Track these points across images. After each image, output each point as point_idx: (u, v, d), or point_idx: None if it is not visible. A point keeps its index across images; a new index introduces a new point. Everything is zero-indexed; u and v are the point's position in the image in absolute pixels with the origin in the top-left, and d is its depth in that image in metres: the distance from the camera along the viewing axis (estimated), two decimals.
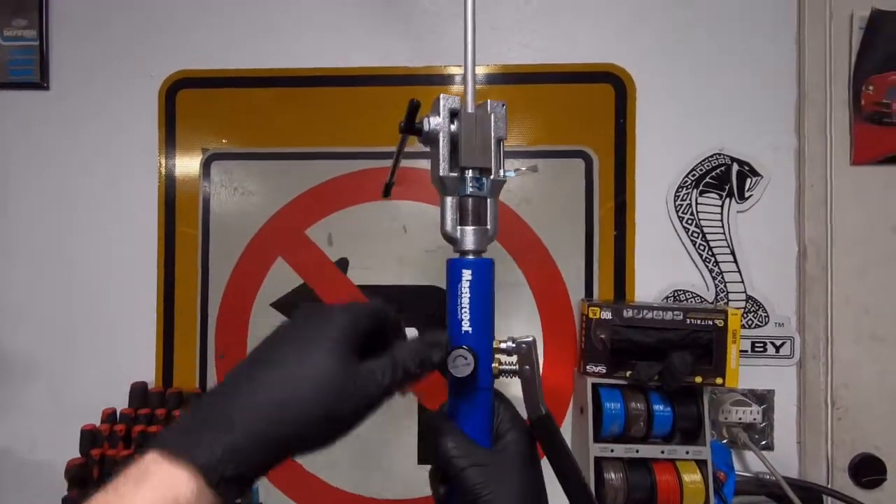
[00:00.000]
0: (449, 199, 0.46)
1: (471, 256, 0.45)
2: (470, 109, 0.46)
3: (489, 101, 0.47)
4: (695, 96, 0.91)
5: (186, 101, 0.95)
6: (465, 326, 0.44)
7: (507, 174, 0.48)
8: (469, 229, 0.45)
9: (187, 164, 0.95)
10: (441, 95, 0.46)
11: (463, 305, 0.44)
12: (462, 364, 0.42)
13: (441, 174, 0.45)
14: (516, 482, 0.41)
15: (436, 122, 0.46)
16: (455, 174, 0.46)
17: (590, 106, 0.91)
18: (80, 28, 0.96)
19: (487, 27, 0.92)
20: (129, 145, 0.95)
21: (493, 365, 0.44)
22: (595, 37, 0.92)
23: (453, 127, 0.46)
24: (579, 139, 0.91)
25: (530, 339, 0.44)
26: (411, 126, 0.46)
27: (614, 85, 0.91)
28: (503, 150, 0.48)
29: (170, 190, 0.95)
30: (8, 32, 0.95)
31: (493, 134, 0.46)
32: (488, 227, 0.46)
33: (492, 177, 0.46)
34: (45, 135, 0.96)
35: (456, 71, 0.92)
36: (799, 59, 0.90)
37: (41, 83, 0.95)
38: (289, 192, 0.93)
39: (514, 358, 0.44)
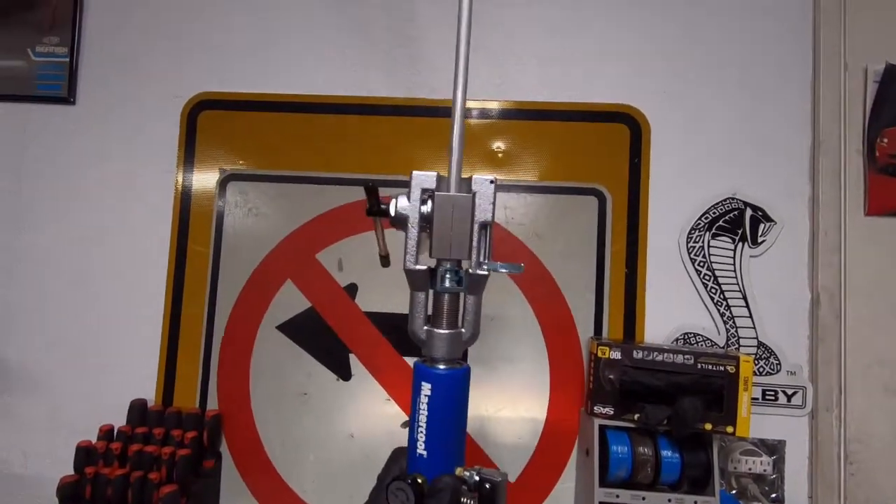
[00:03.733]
0: (419, 295, 0.38)
1: (441, 366, 0.37)
2: (453, 189, 0.37)
3: (475, 176, 0.38)
4: (709, 139, 0.91)
5: (208, 122, 0.96)
6: (420, 449, 0.36)
7: (490, 269, 0.38)
8: (440, 333, 0.37)
9: (204, 183, 0.96)
10: (414, 173, 0.39)
11: (420, 424, 0.36)
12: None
13: (406, 267, 0.38)
14: None
15: (403, 206, 0.39)
16: (423, 267, 0.38)
17: (605, 145, 0.92)
18: (110, 47, 0.99)
19: (506, 63, 0.94)
20: (148, 162, 0.97)
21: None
22: (611, 77, 0.93)
23: (425, 208, 0.38)
24: (593, 177, 0.91)
25: (500, 478, 0.35)
26: (377, 208, 0.41)
27: (629, 125, 0.92)
28: (490, 238, 0.38)
29: (185, 208, 0.95)
30: (40, 49, 0.97)
31: (475, 217, 0.37)
32: (464, 329, 0.38)
33: (471, 270, 0.38)
34: (67, 148, 0.98)
35: (474, 105, 0.93)
36: (814, 106, 0.90)
37: (68, 98, 0.97)
38: (302, 216, 0.94)
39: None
